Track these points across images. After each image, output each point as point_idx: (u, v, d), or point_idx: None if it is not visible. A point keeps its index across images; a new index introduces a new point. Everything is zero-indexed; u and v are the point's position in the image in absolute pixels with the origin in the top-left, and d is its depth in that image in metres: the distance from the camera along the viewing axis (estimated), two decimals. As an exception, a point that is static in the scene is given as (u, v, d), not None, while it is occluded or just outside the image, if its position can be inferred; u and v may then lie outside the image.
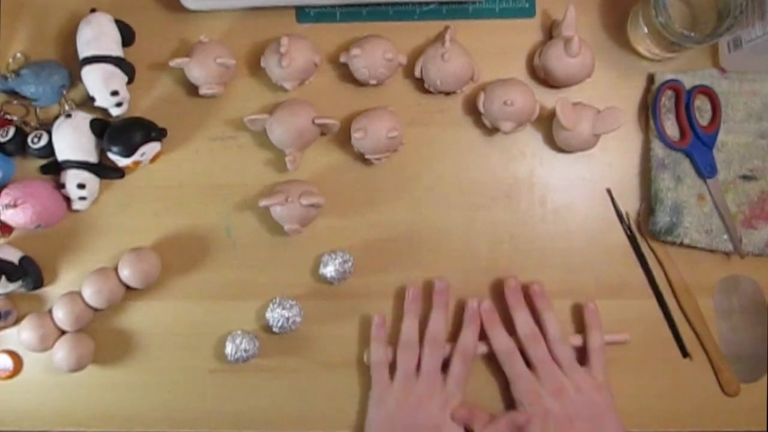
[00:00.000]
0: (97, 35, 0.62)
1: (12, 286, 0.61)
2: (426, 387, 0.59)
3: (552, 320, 0.61)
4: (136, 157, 0.62)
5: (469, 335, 0.61)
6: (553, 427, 0.57)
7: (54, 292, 0.65)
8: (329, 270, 0.62)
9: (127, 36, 0.65)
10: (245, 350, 0.62)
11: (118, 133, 0.62)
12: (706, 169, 0.63)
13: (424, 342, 0.61)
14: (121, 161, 0.62)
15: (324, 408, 0.64)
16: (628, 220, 0.64)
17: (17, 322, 0.64)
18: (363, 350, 0.63)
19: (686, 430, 0.63)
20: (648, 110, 0.65)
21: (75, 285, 0.64)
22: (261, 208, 0.62)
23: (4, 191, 0.61)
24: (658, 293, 0.64)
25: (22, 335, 0.62)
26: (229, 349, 0.62)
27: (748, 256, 0.63)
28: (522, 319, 0.61)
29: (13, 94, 0.65)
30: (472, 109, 0.65)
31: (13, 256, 0.62)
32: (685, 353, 0.63)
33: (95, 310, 0.63)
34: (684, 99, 0.63)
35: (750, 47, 0.60)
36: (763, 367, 0.63)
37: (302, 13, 0.66)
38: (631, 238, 0.64)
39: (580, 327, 0.63)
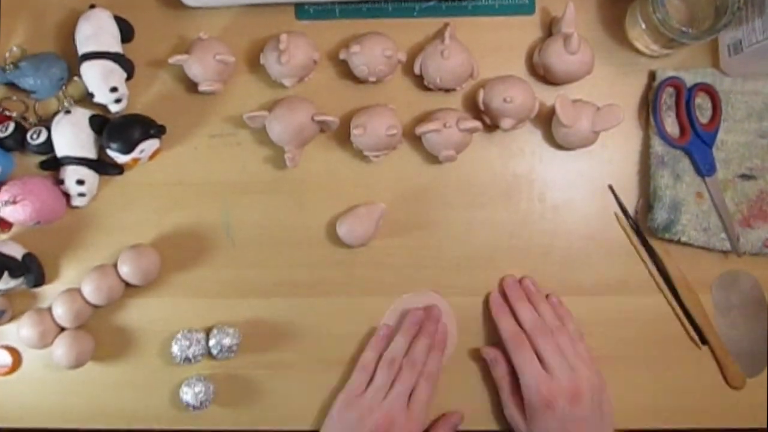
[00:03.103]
0: (96, 31, 0.62)
1: (13, 283, 0.61)
2: (391, 407, 0.58)
3: (548, 311, 0.61)
4: (135, 154, 0.62)
5: (418, 346, 0.61)
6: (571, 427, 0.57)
7: (53, 288, 0.65)
8: None
9: (126, 32, 0.65)
10: (228, 347, 0.63)
11: (117, 130, 0.62)
12: (705, 167, 0.63)
13: (403, 362, 0.60)
14: (120, 158, 0.62)
15: (319, 404, 0.64)
16: (634, 214, 0.64)
17: (12, 319, 0.64)
18: (357, 349, 0.64)
19: (689, 426, 0.63)
20: (648, 107, 0.65)
21: (74, 282, 0.64)
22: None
23: (4, 188, 0.61)
24: (671, 286, 0.64)
25: (21, 332, 0.62)
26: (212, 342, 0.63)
27: (745, 255, 0.63)
28: (526, 312, 0.61)
29: (12, 87, 0.65)
30: (471, 106, 0.65)
31: (17, 252, 0.62)
32: (703, 340, 0.63)
33: (95, 307, 0.63)
34: (684, 96, 0.63)
35: (751, 51, 0.59)
36: (763, 362, 0.63)
37: (301, 10, 0.66)
38: (639, 233, 0.64)
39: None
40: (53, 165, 0.63)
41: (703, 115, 0.64)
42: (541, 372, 0.58)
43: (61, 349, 0.61)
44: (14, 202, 0.60)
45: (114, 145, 0.61)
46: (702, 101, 0.64)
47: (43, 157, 0.64)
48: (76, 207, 0.64)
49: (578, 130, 0.61)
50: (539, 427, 0.57)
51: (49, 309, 0.63)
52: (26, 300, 0.65)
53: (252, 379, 0.64)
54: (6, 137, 0.63)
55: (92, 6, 0.64)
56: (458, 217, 0.65)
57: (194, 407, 0.62)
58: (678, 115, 0.64)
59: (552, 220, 0.65)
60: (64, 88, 0.65)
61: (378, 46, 0.61)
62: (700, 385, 0.63)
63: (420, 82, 0.65)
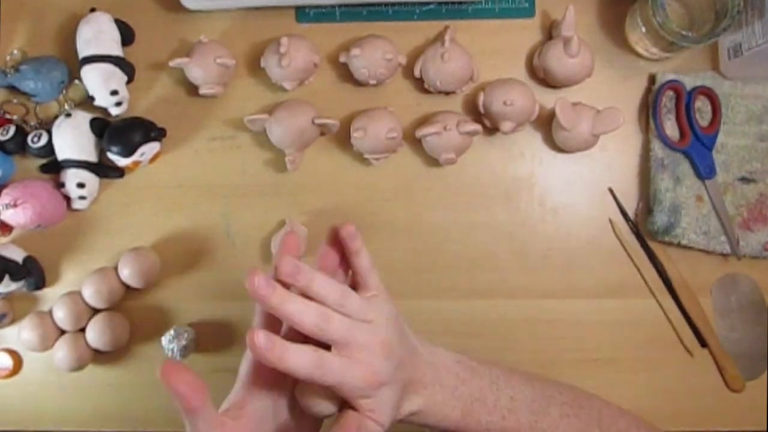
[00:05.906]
0: (97, 35, 0.62)
1: (14, 286, 0.61)
2: None
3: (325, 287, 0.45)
4: (135, 157, 0.62)
5: None
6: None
7: (54, 291, 0.65)
8: None
9: (127, 35, 0.65)
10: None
11: (118, 133, 0.62)
12: (705, 171, 0.63)
13: None
14: (121, 161, 0.62)
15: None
16: (633, 218, 0.65)
17: (13, 322, 0.64)
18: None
19: (689, 429, 0.63)
20: (648, 110, 0.65)
21: (75, 285, 0.64)
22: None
23: (5, 191, 0.61)
24: (671, 289, 0.64)
25: (22, 335, 0.62)
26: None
27: (745, 258, 0.63)
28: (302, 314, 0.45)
29: (12, 90, 0.65)
30: (471, 109, 0.65)
31: (18, 255, 0.62)
32: (703, 343, 0.63)
33: (95, 310, 0.63)
34: (684, 99, 0.63)
35: (750, 54, 0.60)
36: (763, 365, 0.63)
37: (302, 13, 0.66)
38: (639, 236, 0.64)
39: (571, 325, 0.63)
40: (54, 168, 0.64)
41: (703, 119, 0.64)
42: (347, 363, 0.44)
43: (61, 352, 0.62)
44: (15, 206, 0.60)
45: (114, 148, 0.61)
46: (702, 104, 0.64)
47: (43, 161, 0.64)
48: (77, 210, 0.64)
49: (578, 133, 0.61)
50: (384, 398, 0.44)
51: (50, 312, 0.63)
52: (27, 303, 0.65)
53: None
54: (7, 140, 0.63)
55: (93, 9, 0.64)
56: (458, 220, 0.65)
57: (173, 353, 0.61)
58: (678, 119, 0.64)
59: (552, 222, 0.65)
60: (64, 91, 0.65)
61: (378, 49, 0.61)
62: (700, 387, 0.63)
63: (420, 85, 0.65)
